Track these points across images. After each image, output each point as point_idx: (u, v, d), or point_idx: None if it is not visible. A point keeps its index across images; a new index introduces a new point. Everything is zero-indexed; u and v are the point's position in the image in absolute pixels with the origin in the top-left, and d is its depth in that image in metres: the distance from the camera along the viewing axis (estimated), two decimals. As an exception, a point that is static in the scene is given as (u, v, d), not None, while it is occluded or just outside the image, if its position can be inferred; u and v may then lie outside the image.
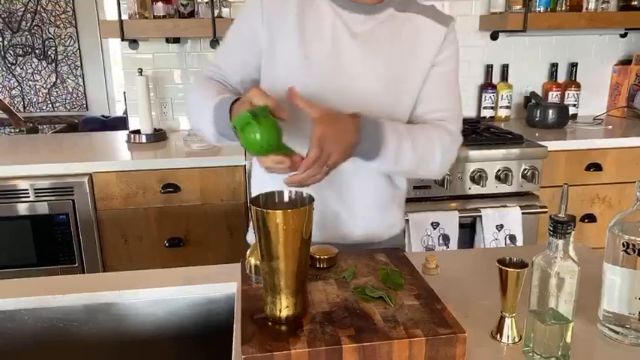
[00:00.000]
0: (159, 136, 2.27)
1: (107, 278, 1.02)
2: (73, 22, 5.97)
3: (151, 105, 2.27)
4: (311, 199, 0.73)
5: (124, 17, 2.16)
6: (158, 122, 2.41)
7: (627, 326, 0.77)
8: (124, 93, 4.81)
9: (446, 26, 1.09)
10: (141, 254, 2.03)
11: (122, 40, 2.15)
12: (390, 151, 0.99)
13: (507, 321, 0.77)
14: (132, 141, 2.25)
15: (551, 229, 0.68)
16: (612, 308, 0.78)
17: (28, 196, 1.91)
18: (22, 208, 1.92)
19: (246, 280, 0.87)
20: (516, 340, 0.77)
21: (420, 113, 1.11)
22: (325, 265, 0.89)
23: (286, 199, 0.77)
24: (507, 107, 2.63)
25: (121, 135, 2.42)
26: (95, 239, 1.99)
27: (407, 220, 1.98)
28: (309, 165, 0.87)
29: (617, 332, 0.78)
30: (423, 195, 2.05)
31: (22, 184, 1.90)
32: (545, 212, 2.06)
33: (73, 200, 1.94)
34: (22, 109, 6.09)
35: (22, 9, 5.92)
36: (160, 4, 2.19)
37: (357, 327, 0.71)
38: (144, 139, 2.25)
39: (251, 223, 1.26)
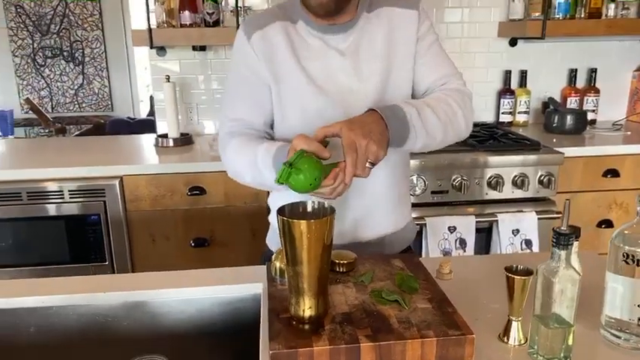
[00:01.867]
0: (185, 140, 2.37)
1: (143, 278, 1.11)
2: (100, 24, 6.14)
3: (177, 110, 2.36)
4: (332, 209, 0.80)
5: (153, 25, 2.25)
6: (184, 126, 2.51)
7: (628, 331, 0.82)
8: (151, 97, 4.93)
9: (416, 9, 1.15)
10: (168, 253, 2.12)
11: (151, 48, 2.25)
12: (415, 122, 1.00)
13: (514, 324, 0.83)
14: (160, 145, 2.35)
15: (554, 240, 0.73)
16: (614, 314, 0.83)
17: (63, 198, 2.01)
18: (57, 209, 2.02)
19: (272, 282, 0.94)
20: (522, 342, 0.83)
21: (424, 89, 1.16)
22: (345, 270, 0.96)
23: (309, 209, 0.84)
24: (526, 113, 2.67)
25: (149, 138, 2.52)
26: (125, 239, 2.09)
27: (424, 224, 2.04)
28: (351, 170, 0.90)
29: (618, 337, 0.83)
30: (440, 199, 2.10)
31: (57, 186, 2.00)
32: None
33: (104, 201, 2.04)
34: (50, 110, 6.28)
35: (51, 12, 6.10)
36: (186, 12, 2.28)
37: (374, 327, 0.78)
38: (171, 143, 2.34)
39: (271, 227, 1.34)
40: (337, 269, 0.96)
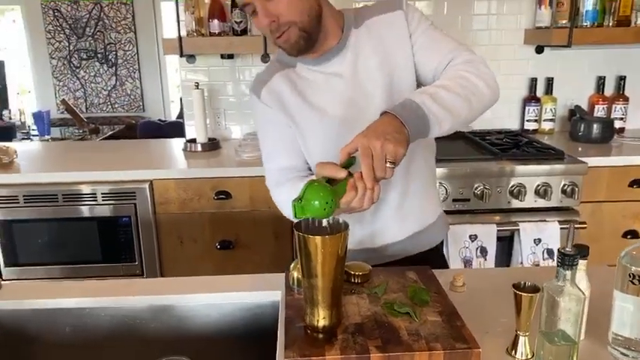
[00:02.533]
0: (213, 145, 2.44)
1: (169, 282, 1.17)
2: (133, 27, 6.31)
3: (205, 116, 2.44)
4: (346, 225, 0.84)
5: (183, 33, 2.33)
6: (212, 131, 2.58)
7: (635, 349, 0.84)
8: (181, 100, 5.04)
9: (400, 9, 1.16)
10: (194, 255, 2.20)
11: (180, 56, 2.33)
12: (431, 107, 0.97)
13: (521, 339, 0.86)
14: (188, 149, 2.43)
15: (559, 260, 0.76)
16: (622, 332, 0.85)
17: (96, 200, 2.11)
18: (90, 211, 2.12)
19: (289, 291, 0.99)
20: (529, 356, 0.86)
21: (432, 75, 1.14)
22: (359, 281, 1.00)
23: (325, 224, 0.88)
24: (551, 120, 2.65)
25: (178, 143, 2.60)
26: (154, 240, 2.17)
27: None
28: (370, 174, 0.88)
29: (626, 355, 0.85)
30: (462, 207, 2.11)
31: (90, 189, 2.09)
32: (585, 228, 2.08)
33: (135, 204, 2.12)
34: (84, 110, 6.49)
35: (87, 15, 6.30)
36: (215, 21, 2.35)
37: (385, 338, 0.82)
38: (199, 147, 2.42)
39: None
40: (352, 280, 1.00)
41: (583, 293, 0.77)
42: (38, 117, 4.79)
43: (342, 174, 0.90)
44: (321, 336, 0.83)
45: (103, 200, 2.11)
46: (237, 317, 1.10)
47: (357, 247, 1.23)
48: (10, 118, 5.64)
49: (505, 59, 2.64)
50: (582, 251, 0.85)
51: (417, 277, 1.03)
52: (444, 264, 1.40)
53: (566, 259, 0.75)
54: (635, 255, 0.82)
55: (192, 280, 1.16)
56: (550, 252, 2.08)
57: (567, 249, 0.75)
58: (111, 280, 1.18)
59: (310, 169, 1.23)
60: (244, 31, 2.38)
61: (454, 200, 2.10)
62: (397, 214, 1.23)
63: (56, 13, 6.26)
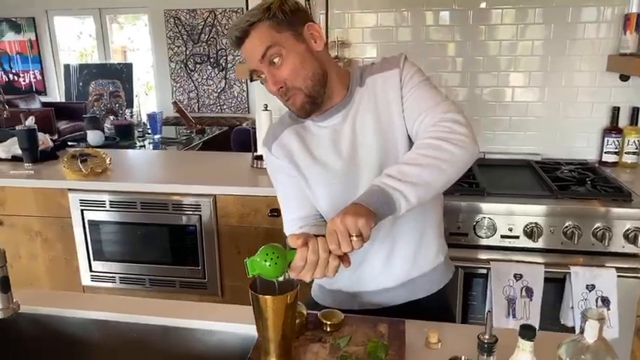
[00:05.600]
0: (276, 163, 2.60)
1: (180, 306, 1.33)
2: (243, 34, 6.72)
3: (272, 135, 2.60)
4: (296, 284, 0.93)
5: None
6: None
7: None
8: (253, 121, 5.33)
9: (397, 67, 1.20)
10: (249, 266, 2.38)
11: (250, 81, 2.51)
12: (394, 184, 1.01)
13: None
14: (254, 166, 2.61)
15: (478, 347, 0.78)
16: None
17: (167, 209, 2.37)
18: (162, 218, 2.38)
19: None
20: None
21: (414, 132, 1.18)
22: (330, 330, 1.08)
23: (277, 282, 0.97)
24: (634, 154, 2.45)
25: (247, 158, 2.78)
26: (215, 248, 2.39)
27: (489, 268, 2.02)
28: (330, 247, 0.96)
29: None
30: (508, 244, 2.06)
31: (164, 200, 2.36)
32: (646, 278, 1.93)
33: (200, 215, 2.35)
34: (196, 110, 7.06)
35: (202, 23, 6.83)
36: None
37: (323, 393, 0.90)
38: (265, 165, 2.58)
39: (315, 281, 1.48)
40: (323, 328, 1.08)
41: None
42: (152, 117, 5.33)
43: (296, 243, 0.99)
44: (270, 382, 0.93)
45: (173, 210, 2.37)
46: (237, 346, 1.23)
47: (349, 290, 1.30)
48: (132, 116, 6.32)
49: (584, 86, 2.49)
50: (528, 333, 0.85)
51: (388, 330, 1.08)
52: (445, 312, 1.40)
53: (485, 346, 0.77)
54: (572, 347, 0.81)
55: (198, 306, 1.32)
56: (605, 300, 1.96)
57: (486, 336, 0.78)
58: (132, 297, 1.37)
59: (322, 216, 1.31)
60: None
61: (502, 236, 2.05)
62: (385, 264, 1.28)
63: (176, 21, 6.87)
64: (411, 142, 1.21)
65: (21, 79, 7.64)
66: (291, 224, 1.31)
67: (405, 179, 1.02)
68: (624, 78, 2.44)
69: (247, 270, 0.94)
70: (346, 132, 1.24)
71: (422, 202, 1.05)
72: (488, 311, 0.80)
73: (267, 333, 0.91)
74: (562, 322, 2.03)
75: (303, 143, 1.28)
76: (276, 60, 1.14)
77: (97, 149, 2.85)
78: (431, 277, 1.33)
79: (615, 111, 2.46)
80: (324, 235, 1.00)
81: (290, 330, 0.93)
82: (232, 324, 1.22)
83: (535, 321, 1.99)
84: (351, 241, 0.97)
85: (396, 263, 1.28)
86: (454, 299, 2.09)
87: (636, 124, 2.45)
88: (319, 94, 1.20)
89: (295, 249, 0.98)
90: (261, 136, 2.62)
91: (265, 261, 0.92)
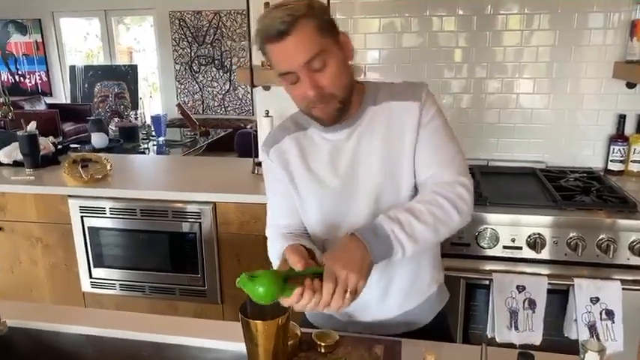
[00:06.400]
0: (277, 170, 2.58)
1: (176, 322, 1.31)
2: (247, 36, 6.69)
3: (274, 141, 2.58)
4: (285, 310, 0.91)
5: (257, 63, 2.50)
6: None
7: None
8: (256, 124, 5.32)
9: (419, 100, 1.16)
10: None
11: (252, 87, 2.49)
12: (399, 235, 1.04)
13: None
14: (255, 172, 2.59)
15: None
16: None
17: (167, 217, 2.35)
18: (163, 225, 2.37)
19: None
20: None
21: (420, 181, 1.18)
22: (324, 351, 1.06)
23: (268, 307, 0.94)
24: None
25: (248, 164, 2.76)
26: (215, 256, 2.37)
27: (491, 280, 1.99)
28: (327, 300, 0.95)
29: None
30: (511, 255, 2.03)
31: (163, 207, 2.34)
32: (653, 291, 1.89)
33: (200, 223, 2.33)
34: (201, 112, 7.06)
35: (207, 25, 6.82)
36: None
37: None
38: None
39: None
40: (318, 349, 1.06)
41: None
42: (156, 120, 5.33)
43: (299, 267, 0.97)
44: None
45: (173, 217, 2.35)
46: (226, 362, 1.21)
47: (343, 318, 1.28)
48: (136, 118, 6.32)
49: (590, 93, 2.45)
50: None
51: (383, 352, 1.06)
52: (443, 331, 1.38)
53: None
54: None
55: (194, 323, 1.30)
56: (609, 313, 1.92)
57: (481, 368, 0.75)
58: (129, 312, 1.36)
59: (306, 230, 1.29)
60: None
61: (504, 247, 2.02)
62: (381, 298, 1.26)
63: (181, 23, 6.87)
64: (413, 176, 1.19)
65: (27, 81, 7.67)
66: (274, 230, 1.31)
67: (411, 234, 1.05)
68: (631, 85, 2.40)
69: (241, 282, 0.93)
70: (348, 150, 1.21)
71: (411, 256, 1.09)
72: (483, 342, 0.77)
73: (258, 357, 0.89)
74: (565, 335, 1.99)
75: (302, 153, 1.25)
76: (318, 65, 1.08)
77: (99, 154, 2.84)
78: (422, 307, 1.31)
79: (621, 119, 2.42)
80: (320, 273, 0.98)
81: (282, 353, 0.91)
82: (228, 342, 1.20)
83: (537, 333, 1.96)
84: (344, 297, 0.96)
85: (392, 296, 1.26)
86: (455, 310, 2.06)
87: (643, 132, 2.41)
88: (349, 103, 1.17)
89: (293, 288, 0.94)
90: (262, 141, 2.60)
91: (261, 287, 0.90)
